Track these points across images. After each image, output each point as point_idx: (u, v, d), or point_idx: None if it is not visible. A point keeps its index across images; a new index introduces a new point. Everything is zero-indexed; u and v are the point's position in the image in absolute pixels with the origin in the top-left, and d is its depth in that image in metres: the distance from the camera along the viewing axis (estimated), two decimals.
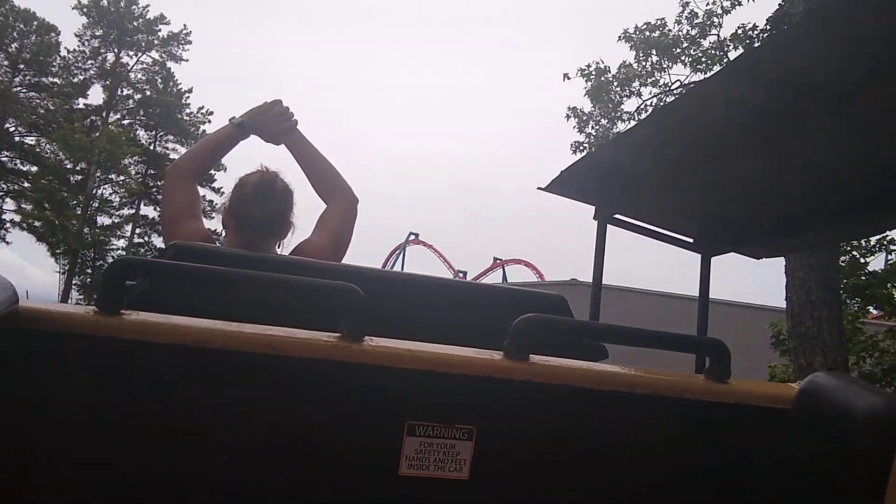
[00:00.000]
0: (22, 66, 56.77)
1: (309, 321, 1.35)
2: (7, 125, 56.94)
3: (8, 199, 57.78)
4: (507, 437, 1.40)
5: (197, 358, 1.25)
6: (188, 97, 61.10)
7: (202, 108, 61.44)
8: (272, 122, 2.53)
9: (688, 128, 3.30)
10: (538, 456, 1.43)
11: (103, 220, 56.39)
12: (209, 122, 57.22)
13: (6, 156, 58.10)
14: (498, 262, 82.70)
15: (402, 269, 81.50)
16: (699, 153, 3.52)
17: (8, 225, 58.04)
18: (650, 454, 1.47)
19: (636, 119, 14.95)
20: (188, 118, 60.97)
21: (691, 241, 4.59)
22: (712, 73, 7.15)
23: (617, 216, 4.35)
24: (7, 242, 60.58)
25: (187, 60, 59.43)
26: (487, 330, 1.55)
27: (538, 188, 4.11)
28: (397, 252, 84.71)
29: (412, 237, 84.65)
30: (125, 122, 54.67)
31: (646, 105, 15.36)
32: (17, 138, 57.76)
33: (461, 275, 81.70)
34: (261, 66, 79.35)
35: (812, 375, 1.47)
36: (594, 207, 4.30)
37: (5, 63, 55.90)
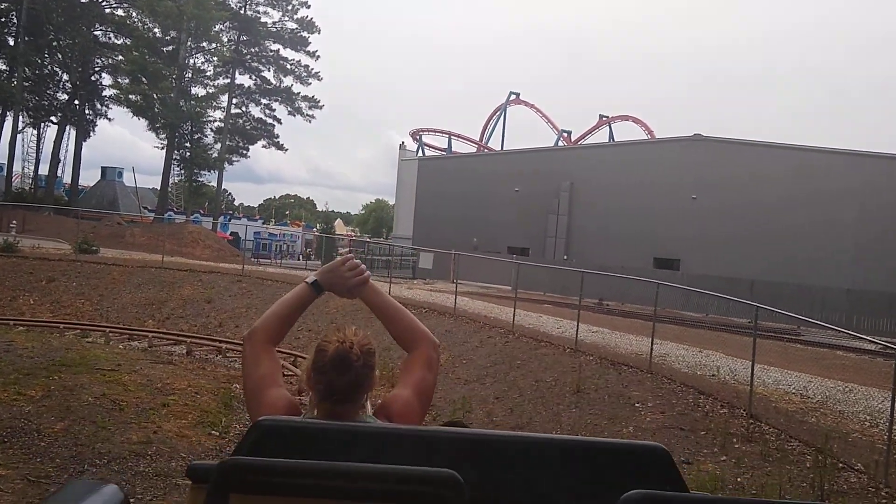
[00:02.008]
0: None
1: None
2: None
3: (104, 74, 57.40)
4: None
5: None
6: None
7: None
8: (345, 277, 2.61)
9: None
10: None
11: (198, 90, 55.20)
12: None
13: (99, 29, 57.17)
14: (604, 119, 79.01)
15: (504, 131, 78.97)
16: None
17: (108, 101, 57.82)
18: None
19: None
20: None
21: None
22: None
23: None
24: (109, 119, 60.82)
25: None
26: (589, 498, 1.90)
27: None
28: (498, 113, 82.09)
29: (513, 97, 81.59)
30: None
31: None
32: (107, 10, 56.45)
33: (565, 134, 78.76)
34: None
35: None
36: None
37: None
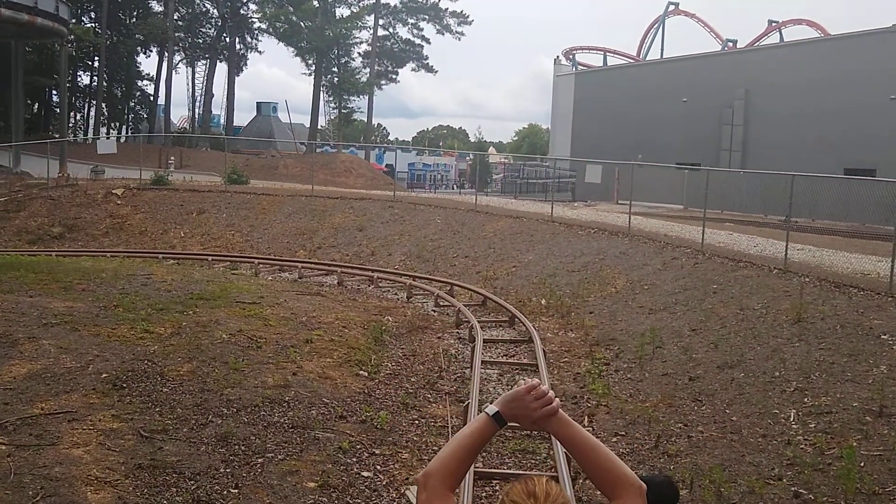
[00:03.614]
0: None
1: None
2: None
3: (251, 5, 57.02)
4: None
5: None
6: None
7: None
8: (531, 409, 2.23)
9: None
10: None
11: (342, 11, 53.68)
12: None
13: None
14: (773, 24, 71.74)
15: (662, 45, 73.43)
16: None
17: (256, 32, 57.59)
18: None
19: None
20: None
21: None
22: None
23: None
24: (259, 52, 60.74)
25: None
26: None
27: None
28: (655, 26, 76.42)
29: (671, 7, 75.56)
30: None
31: None
32: None
33: (730, 44, 72.22)
34: None
35: None
36: None
37: None
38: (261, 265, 21.26)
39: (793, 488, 7.26)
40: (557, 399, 2.27)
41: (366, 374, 11.21)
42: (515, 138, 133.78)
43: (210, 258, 21.85)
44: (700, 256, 16.58)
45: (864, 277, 13.69)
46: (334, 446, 8.49)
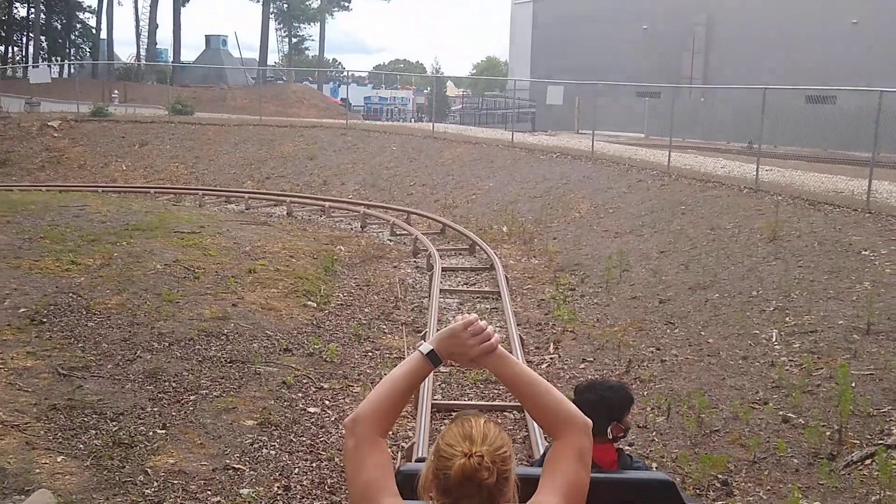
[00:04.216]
0: None
1: None
2: None
3: None
4: None
5: None
6: None
7: None
8: (468, 346, 2.05)
9: None
10: None
11: None
12: None
13: None
14: None
15: None
16: None
17: None
18: None
19: None
20: None
21: None
22: None
23: None
24: None
25: None
26: None
27: None
28: None
29: None
30: None
31: None
32: None
33: None
34: None
35: None
36: None
37: None
38: (206, 197, 20.14)
39: (780, 412, 6.64)
40: (497, 334, 2.10)
41: (314, 304, 10.37)
42: (474, 72, 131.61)
43: (153, 191, 20.65)
44: (666, 178, 15.89)
45: (837, 195, 13.12)
46: (277, 381, 7.69)
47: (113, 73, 48.41)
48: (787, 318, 8.52)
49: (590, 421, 2.04)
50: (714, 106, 36.34)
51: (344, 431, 2.14)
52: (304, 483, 5.96)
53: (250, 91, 43.77)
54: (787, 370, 7.37)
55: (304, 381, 7.85)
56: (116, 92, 40.72)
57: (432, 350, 2.08)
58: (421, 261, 13.61)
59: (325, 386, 7.81)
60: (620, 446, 3.12)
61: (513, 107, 36.06)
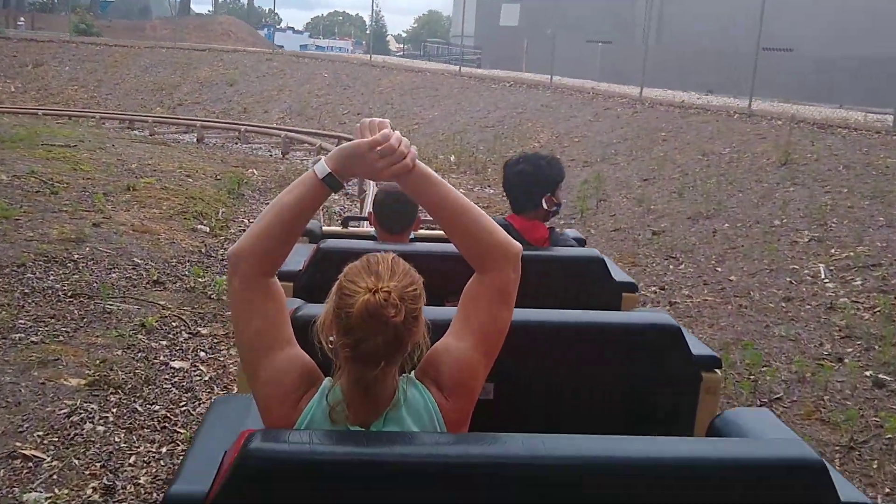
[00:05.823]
0: None
1: None
2: None
3: None
4: None
5: None
6: None
7: None
8: (376, 167, 1.57)
9: None
10: None
11: None
12: None
13: None
14: None
15: None
16: None
17: None
18: None
19: None
20: None
21: None
22: None
23: None
24: None
25: None
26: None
27: None
28: None
29: None
30: None
31: None
32: None
33: None
34: None
35: None
36: None
37: None
38: (105, 122, 17.33)
39: (866, 372, 4.55)
40: (414, 148, 1.59)
41: (206, 229, 7.95)
42: (415, 26, 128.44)
43: (41, 112, 17.71)
44: (639, 106, 13.77)
45: (845, 122, 11.16)
46: (134, 323, 5.31)
47: (24, 4, 44.20)
48: (833, 251, 6.46)
49: (520, 247, 1.63)
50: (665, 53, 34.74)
51: (227, 272, 1.63)
52: (142, 481, 3.65)
53: (171, 21, 40.23)
54: (854, 315, 5.30)
55: (174, 323, 5.49)
56: (23, 20, 36.83)
57: (330, 173, 1.57)
58: (352, 188, 11.27)
59: (204, 331, 5.46)
60: (552, 225, 2.95)
61: (457, 56, 33.78)
